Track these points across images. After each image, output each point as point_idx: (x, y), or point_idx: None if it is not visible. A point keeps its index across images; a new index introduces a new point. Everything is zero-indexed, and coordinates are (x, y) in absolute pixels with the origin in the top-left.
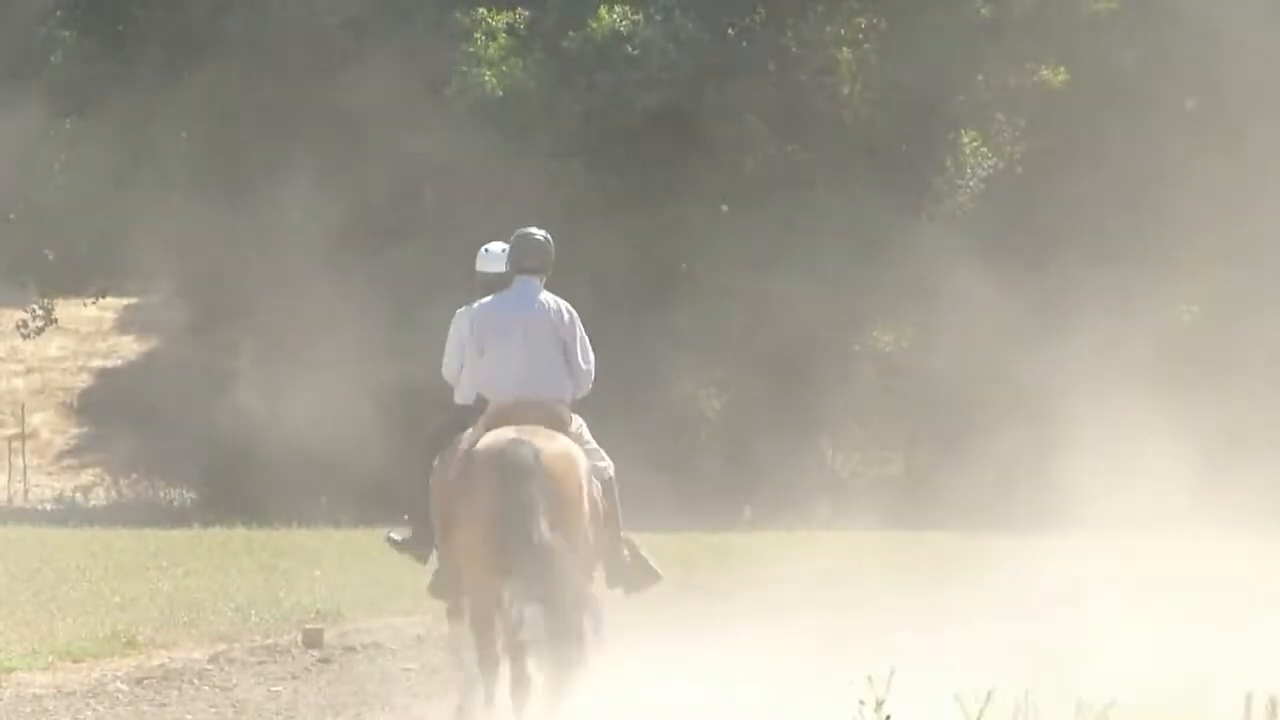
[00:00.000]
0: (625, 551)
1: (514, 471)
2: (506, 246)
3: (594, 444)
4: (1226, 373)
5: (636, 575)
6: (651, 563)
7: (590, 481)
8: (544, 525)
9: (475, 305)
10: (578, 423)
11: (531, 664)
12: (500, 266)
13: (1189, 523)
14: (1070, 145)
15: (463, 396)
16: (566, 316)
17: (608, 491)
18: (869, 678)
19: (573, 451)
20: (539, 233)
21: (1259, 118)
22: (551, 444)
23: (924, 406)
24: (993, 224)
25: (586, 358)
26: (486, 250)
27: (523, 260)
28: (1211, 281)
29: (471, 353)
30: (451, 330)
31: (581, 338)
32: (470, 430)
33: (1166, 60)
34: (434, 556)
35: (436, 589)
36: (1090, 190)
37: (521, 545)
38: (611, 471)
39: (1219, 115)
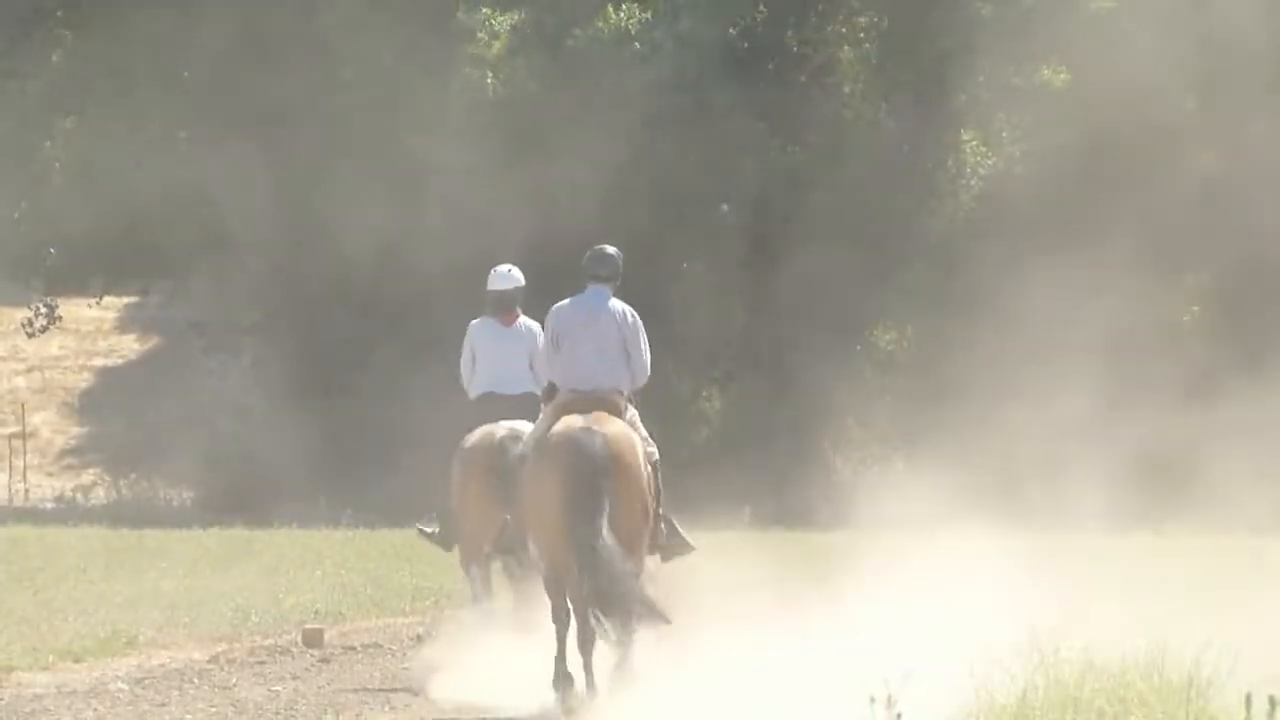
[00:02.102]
0: (663, 526)
1: (585, 457)
2: (514, 267)
3: (644, 431)
4: (1226, 371)
5: (673, 546)
6: (686, 536)
7: (646, 457)
8: (607, 510)
9: (557, 309)
10: (631, 412)
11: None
12: (507, 285)
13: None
14: (1069, 145)
15: (474, 391)
16: (630, 320)
17: (654, 472)
18: (884, 677)
19: (630, 433)
20: (611, 249)
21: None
22: (614, 426)
23: (924, 406)
24: (993, 223)
25: (645, 357)
26: (496, 271)
27: (596, 270)
28: (1212, 282)
29: (547, 345)
30: (466, 340)
31: (641, 339)
32: (483, 426)
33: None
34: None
35: (446, 541)
36: (1090, 190)
37: (587, 528)
38: (657, 455)
39: (1219, 115)
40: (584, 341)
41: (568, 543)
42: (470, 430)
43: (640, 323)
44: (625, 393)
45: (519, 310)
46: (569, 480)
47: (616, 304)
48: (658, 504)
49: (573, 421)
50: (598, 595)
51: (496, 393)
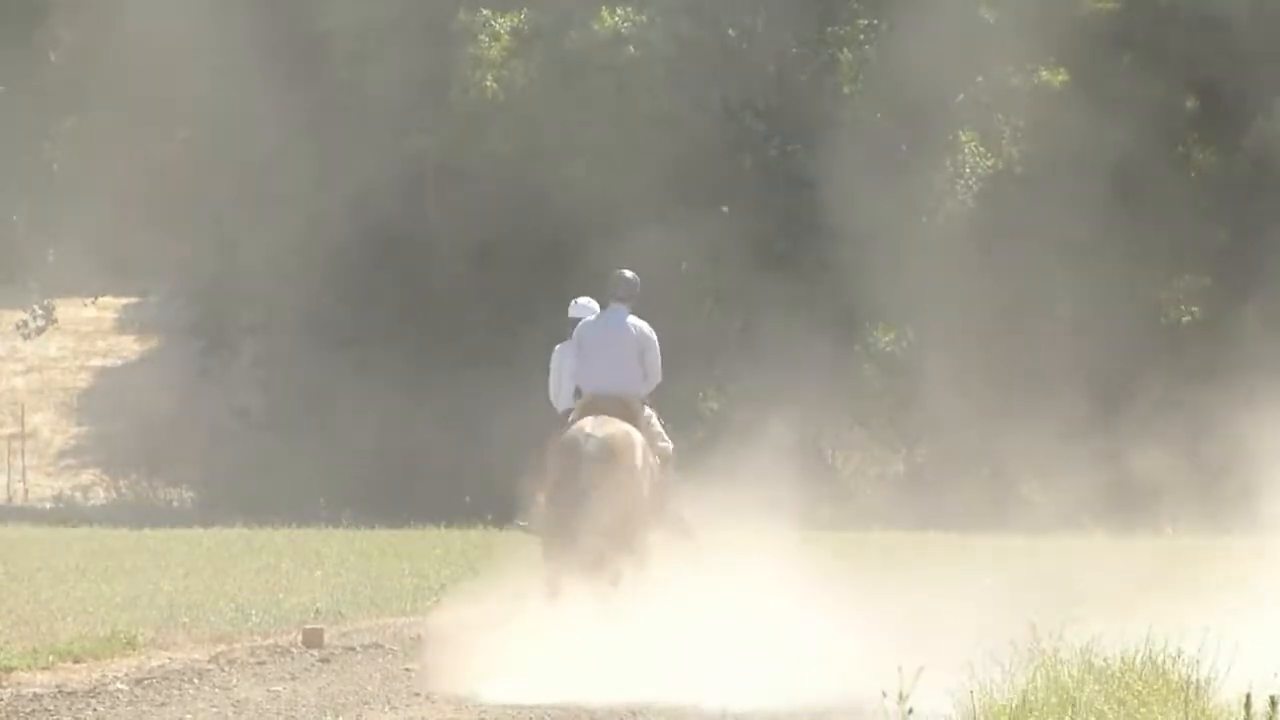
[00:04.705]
0: (678, 517)
1: (578, 456)
2: (591, 299)
3: (658, 428)
4: (1225, 369)
5: (678, 534)
6: (694, 530)
7: (647, 455)
8: (593, 498)
9: (583, 323)
10: (648, 412)
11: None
12: (585, 314)
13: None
14: (1070, 145)
15: (562, 406)
16: (645, 333)
17: (664, 464)
18: (899, 669)
19: (631, 433)
20: (629, 273)
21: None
22: (613, 428)
23: (924, 407)
24: (992, 224)
25: (657, 365)
26: (576, 302)
27: (616, 291)
28: (1212, 281)
29: (575, 354)
30: (553, 362)
31: (654, 349)
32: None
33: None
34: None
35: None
36: (1089, 190)
37: (581, 507)
38: (670, 450)
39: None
40: (604, 352)
41: (567, 508)
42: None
43: (654, 336)
44: (641, 395)
45: None
46: (563, 475)
47: (634, 320)
48: (668, 493)
49: (582, 425)
50: (599, 533)
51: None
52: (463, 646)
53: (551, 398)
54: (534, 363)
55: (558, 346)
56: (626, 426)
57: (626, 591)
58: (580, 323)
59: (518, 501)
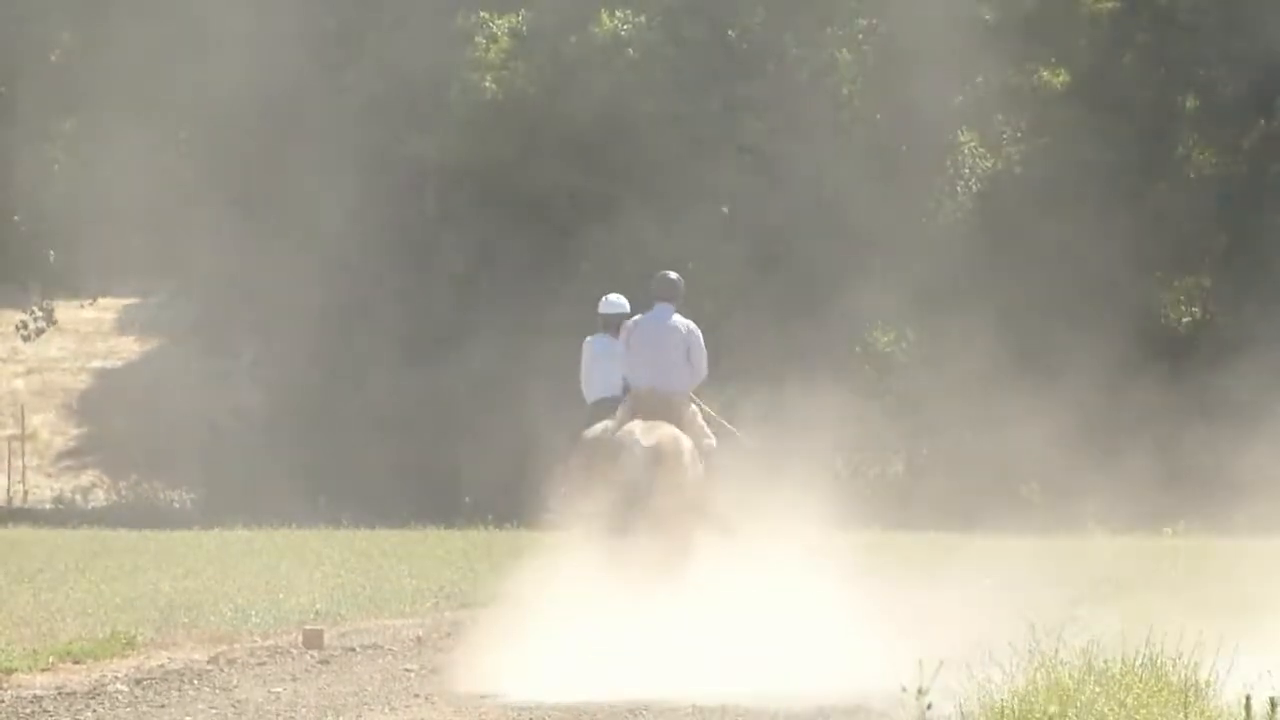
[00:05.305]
0: (720, 514)
1: (628, 459)
2: (621, 296)
3: (702, 424)
4: (1225, 370)
5: (721, 525)
6: (732, 521)
7: (694, 458)
8: (642, 499)
9: (631, 322)
10: (693, 408)
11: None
12: (616, 310)
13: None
14: (1069, 145)
15: (591, 397)
16: (691, 331)
17: (707, 459)
18: (919, 662)
19: (677, 436)
20: (673, 274)
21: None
22: (661, 432)
23: (924, 407)
24: (992, 224)
25: (703, 362)
26: (607, 299)
27: (662, 292)
28: (1211, 282)
29: (623, 352)
30: (584, 354)
31: (700, 347)
32: (600, 423)
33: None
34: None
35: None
36: (1089, 190)
37: (629, 512)
38: (714, 446)
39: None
40: (651, 350)
41: (620, 508)
42: (589, 427)
43: (699, 334)
44: (687, 391)
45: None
46: (610, 478)
47: (679, 319)
48: (710, 486)
49: (632, 429)
50: (646, 531)
51: (608, 397)
52: (473, 646)
53: (582, 388)
54: (534, 363)
55: (588, 339)
56: (674, 431)
57: (655, 590)
58: (628, 321)
59: (543, 494)
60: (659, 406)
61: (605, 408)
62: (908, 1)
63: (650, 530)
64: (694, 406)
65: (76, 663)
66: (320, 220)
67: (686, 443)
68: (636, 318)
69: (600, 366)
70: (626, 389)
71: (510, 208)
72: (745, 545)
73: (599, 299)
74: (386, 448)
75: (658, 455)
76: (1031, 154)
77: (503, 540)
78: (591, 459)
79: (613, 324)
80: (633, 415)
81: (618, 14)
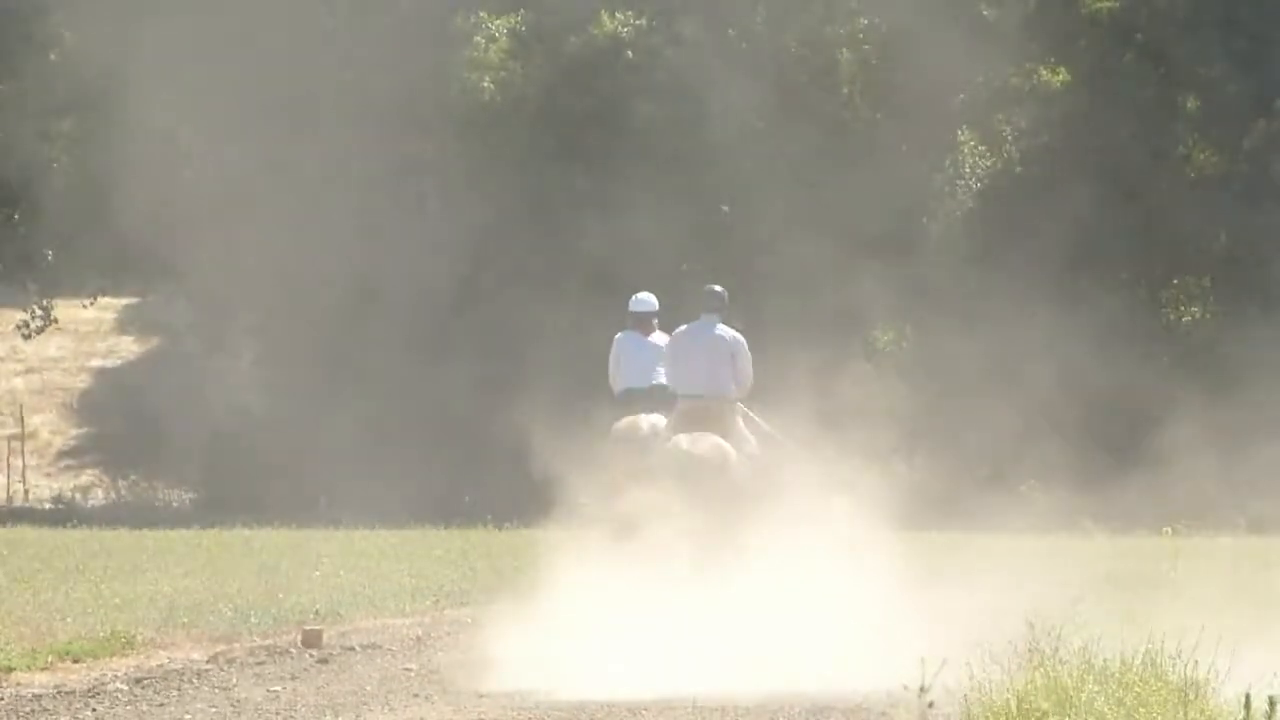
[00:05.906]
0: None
1: (680, 467)
2: (650, 294)
3: (745, 432)
4: (1225, 369)
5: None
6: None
7: (739, 466)
8: (690, 506)
9: (675, 331)
10: (740, 413)
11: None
12: (646, 308)
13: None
14: (1070, 145)
15: (618, 389)
16: (736, 339)
17: (751, 466)
18: (921, 660)
19: (721, 445)
20: (718, 287)
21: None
22: (705, 443)
23: (924, 406)
24: (992, 223)
25: (748, 370)
26: (637, 297)
27: (709, 304)
28: (1211, 281)
29: (667, 360)
30: (612, 350)
31: (745, 355)
32: (628, 417)
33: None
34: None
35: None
36: (1089, 190)
37: (675, 521)
38: (758, 453)
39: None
40: (696, 358)
41: (644, 529)
42: (617, 419)
43: (745, 343)
44: (733, 398)
45: (655, 324)
46: (656, 485)
47: (725, 329)
48: (754, 495)
49: (679, 441)
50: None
51: (634, 389)
52: (474, 645)
53: (610, 381)
54: (535, 363)
55: (618, 335)
56: (714, 438)
57: (659, 592)
58: (675, 332)
59: (567, 486)
60: (704, 418)
61: (632, 399)
62: (908, 1)
63: (686, 538)
64: (740, 414)
65: (76, 662)
66: (320, 220)
67: (731, 453)
68: (682, 328)
69: (628, 361)
70: (672, 396)
71: (510, 207)
72: (745, 546)
73: (599, 299)
74: (386, 448)
75: (702, 464)
76: (1031, 153)
77: (503, 540)
78: (626, 459)
79: (642, 321)
80: (681, 425)
81: (618, 14)
